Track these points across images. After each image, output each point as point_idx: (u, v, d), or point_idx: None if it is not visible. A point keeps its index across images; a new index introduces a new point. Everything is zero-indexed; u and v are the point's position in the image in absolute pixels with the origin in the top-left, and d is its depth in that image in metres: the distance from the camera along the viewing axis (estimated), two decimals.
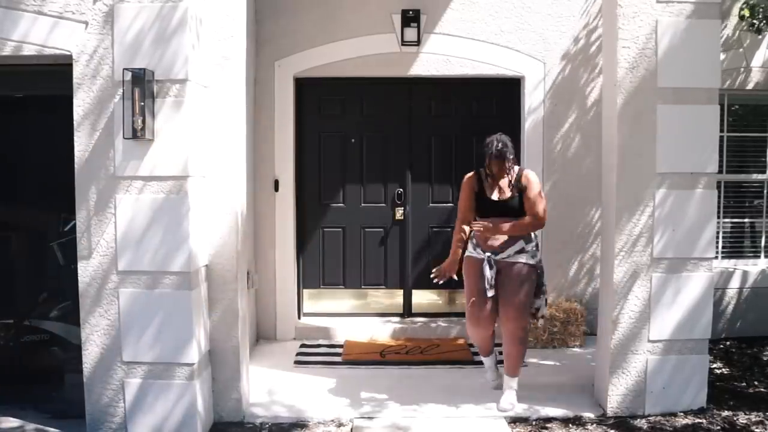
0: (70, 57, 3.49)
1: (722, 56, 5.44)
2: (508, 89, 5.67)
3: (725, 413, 3.89)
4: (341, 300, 5.88)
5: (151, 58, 3.45)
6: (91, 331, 3.56)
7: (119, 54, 3.45)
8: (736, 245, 5.88)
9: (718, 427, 3.69)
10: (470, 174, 4.10)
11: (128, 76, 3.39)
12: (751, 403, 4.07)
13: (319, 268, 5.82)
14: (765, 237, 5.86)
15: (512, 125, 5.67)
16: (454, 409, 3.98)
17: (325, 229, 5.80)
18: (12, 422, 3.76)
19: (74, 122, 3.51)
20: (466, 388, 4.31)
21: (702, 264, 3.86)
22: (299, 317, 5.76)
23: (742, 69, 5.58)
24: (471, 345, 5.31)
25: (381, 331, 5.58)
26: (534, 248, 3.95)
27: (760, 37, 5.44)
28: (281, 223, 5.58)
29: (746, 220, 5.88)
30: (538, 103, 5.54)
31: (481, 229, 3.83)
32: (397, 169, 5.75)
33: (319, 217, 5.79)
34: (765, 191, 5.82)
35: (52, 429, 3.69)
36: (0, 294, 4.44)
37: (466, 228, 4.04)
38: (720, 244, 5.76)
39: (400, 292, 5.86)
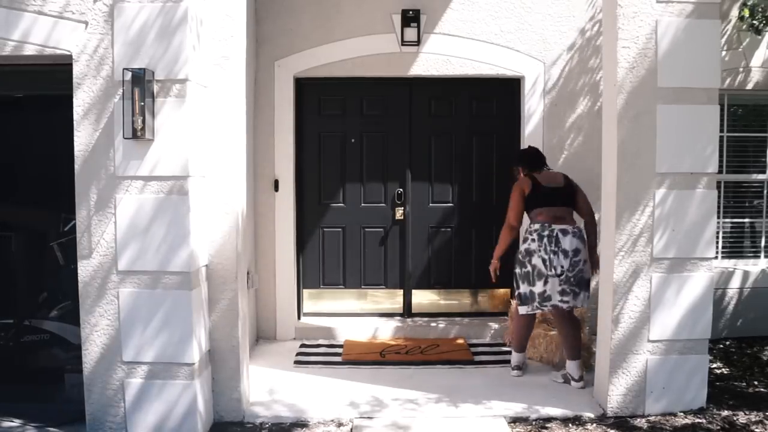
0: (70, 57, 3.49)
1: (723, 56, 5.45)
2: (508, 89, 5.67)
3: (725, 413, 3.89)
4: (341, 300, 5.89)
5: (151, 58, 3.45)
6: (91, 331, 3.56)
7: (119, 54, 3.46)
8: (737, 245, 5.88)
9: (718, 427, 3.70)
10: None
11: (128, 75, 3.39)
12: (750, 403, 4.07)
13: (319, 268, 5.82)
14: (765, 237, 5.86)
15: (512, 125, 5.69)
16: (454, 409, 3.98)
17: (325, 229, 5.80)
18: (12, 422, 3.76)
19: (74, 122, 3.51)
20: (466, 388, 4.31)
21: (702, 264, 3.86)
22: (299, 317, 5.76)
23: (741, 69, 5.58)
24: (471, 345, 5.32)
25: (381, 331, 5.58)
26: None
27: (759, 37, 5.44)
28: (281, 223, 5.58)
29: (746, 220, 5.89)
30: (538, 102, 5.54)
31: None
32: (397, 169, 5.75)
33: (319, 217, 5.79)
34: (765, 191, 5.82)
35: (53, 429, 3.68)
36: (0, 294, 4.44)
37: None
38: (720, 244, 5.77)
39: (400, 292, 5.86)
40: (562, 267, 4.28)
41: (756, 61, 5.58)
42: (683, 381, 3.89)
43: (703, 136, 3.81)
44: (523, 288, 4.41)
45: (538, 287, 4.33)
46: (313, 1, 5.46)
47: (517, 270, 4.45)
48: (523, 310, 4.45)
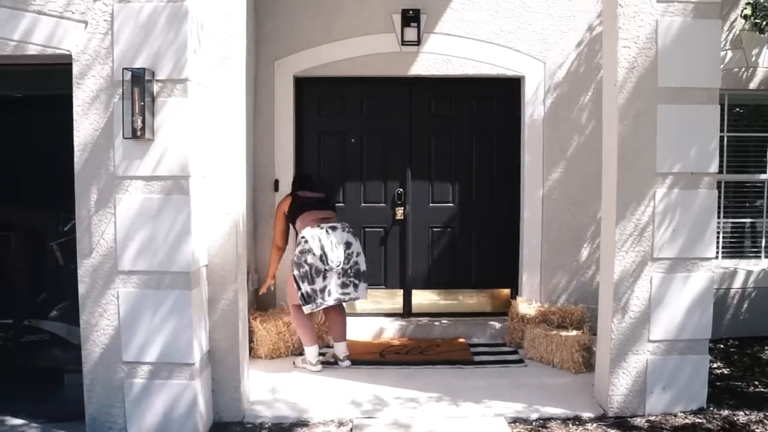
0: (70, 57, 3.49)
1: (724, 56, 5.44)
2: (509, 89, 5.67)
3: (725, 413, 3.88)
4: None
5: (151, 58, 3.44)
6: (91, 331, 3.56)
7: (119, 54, 3.45)
8: (737, 245, 5.88)
9: (718, 427, 3.69)
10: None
11: (128, 75, 3.38)
12: (751, 403, 4.06)
13: None
14: (766, 237, 5.85)
15: (512, 125, 5.68)
16: (454, 409, 3.98)
17: None
18: (12, 422, 3.76)
19: (74, 122, 3.51)
20: (466, 388, 4.31)
21: (702, 264, 3.86)
22: None
23: (744, 68, 5.57)
24: (471, 345, 5.32)
25: (381, 331, 5.58)
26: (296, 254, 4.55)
27: (763, 35, 5.42)
28: None
29: (747, 220, 5.88)
30: (539, 102, 5.53)
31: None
32: (397, 169, 5.75)
33: None
34: (766, 191, 5.81)
35: (52, 429, 3.68)
36: None
37: None
38: (720, 244, 5.76)
39: (400, 292, 5.85)
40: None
41: (759, 60, 5.56)
42: (684, 381, 3.88)
43: (704, 136, 3.81)
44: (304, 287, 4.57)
45: (318, 283, 4.59)
46: (313, 0, 5.45)
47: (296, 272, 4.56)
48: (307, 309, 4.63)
